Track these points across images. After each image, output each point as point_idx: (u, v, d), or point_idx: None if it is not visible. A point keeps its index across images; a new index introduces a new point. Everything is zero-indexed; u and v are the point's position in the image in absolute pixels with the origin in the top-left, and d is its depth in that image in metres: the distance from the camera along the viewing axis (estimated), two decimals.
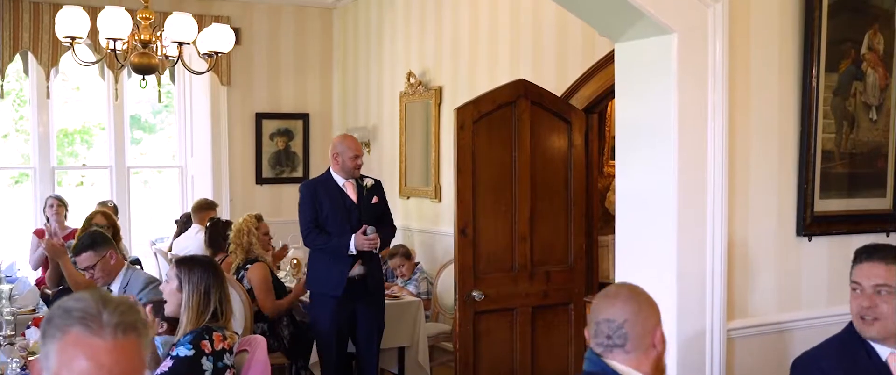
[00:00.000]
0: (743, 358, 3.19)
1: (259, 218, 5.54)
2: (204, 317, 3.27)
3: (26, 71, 7.83)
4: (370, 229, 5.18)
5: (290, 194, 8.63)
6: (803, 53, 3.31)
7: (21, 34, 7.38)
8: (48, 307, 5.52)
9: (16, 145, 8.32)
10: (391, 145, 7.92)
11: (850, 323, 2.65)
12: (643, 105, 3.15)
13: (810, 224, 3.36)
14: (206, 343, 3.19)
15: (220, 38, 5.36)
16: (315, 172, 8.78)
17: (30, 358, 3.90)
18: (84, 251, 4.36)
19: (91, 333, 1.49)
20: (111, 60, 6.11)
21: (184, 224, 7.01)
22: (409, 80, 7.46)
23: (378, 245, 5.31)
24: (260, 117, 8.51)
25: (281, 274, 6.29)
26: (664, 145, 3.06)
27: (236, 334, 3.50)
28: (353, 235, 5.17)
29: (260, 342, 3.65)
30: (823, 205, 3.39)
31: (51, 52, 7.46)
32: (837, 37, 3.37)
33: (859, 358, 2.66)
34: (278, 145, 8.63)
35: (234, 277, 5.54)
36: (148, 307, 3.66)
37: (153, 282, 4.33)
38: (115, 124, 8.21)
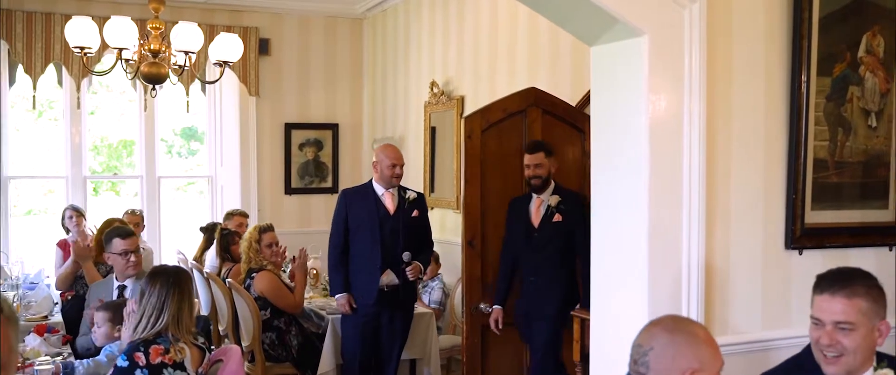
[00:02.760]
0: None
1: (263, 229, 5.52)
2: (152, 329, 3.27)
3: (60, 82, 7.99)
4: (406, 255, 5.20)
5: (319, 205, 8.66)
6: (791, 56, 3.13)
7: (53, 46, 7.53)
8: (63, 314, 5.59)
9: (54, 156, 8.49)
10: (416, 155, 7.85)
11: (809, 345, 2.48)
12: (615, 111, 3.01)
13: (801, 237, 3.17)
14: (140, 355, 3.23)
15: (229, 47, 5.37)
16: (344, 182, 8.77)
17: (25, 363, 3.95)
18: (131, 236, 4.62)
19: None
20: (124, 70, 6.21)
21: (210, 233, 7.07)
22: (432, 89, 7.39)
23: (419, 273, 5.34)
24: (289, 128, 8.54)
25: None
26: (635, 153, 2.92)
27: (200, 347, 3.47)
28: (383, 273, 5.17)
29: (234, 351, 3.61)
30: (816, 216, 3.20)
31: (82, 63, 7.58)
32: (831, 39, 3.18)
33: None
34: (307, 155, 8.64)
35: (242, 286, 5.54)
36: (103, 315, 3.74)
37: None
38: (146, 134, 8.32)
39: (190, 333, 3.49)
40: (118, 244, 4.62)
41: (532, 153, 4.84)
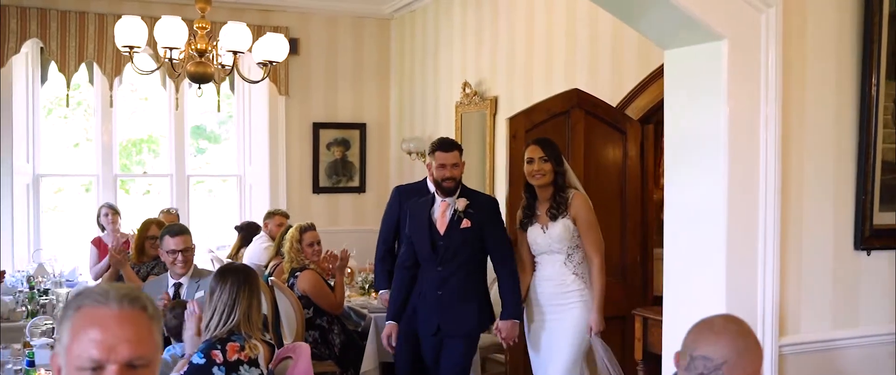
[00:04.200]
0: None
1: (304, 229, 5.55)
2: (224, 327, 3.33)
3: (91, 81, 8.04)
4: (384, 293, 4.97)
5: (346, 204, 8.72)
6: (862, 61, 3.18)
7: (86, 45, 7.58)
8: None
9: (87, 154, 8.54)
10: None
11: None
12: (692, 114, 3.07)
13: (869, 237, 3.22)
14: (217, 353, 3.29)
15: (275, 47, 5.42)
16: (372, 181, 8.84)
17: None
18: (180, 234, 4.64)
19: (99, 304, 1.60)
20: (169, 70, 6.25)
21: (245, 231, 7.10)
22: (464, 90, 7.44)
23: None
24: (317, 127, 8.59)
25: None
26: (714, 155, 2.97)
27: (269, 344, 3.52)
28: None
29: (304, 349, 3.66)
30: (883, 218, 3.26)
31: (114, 62, 7.64)
32: None
33: None
34: (335, 154, 8.69)
35: (286, 284, 5.59)
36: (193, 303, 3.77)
37: None
38: (176, 133, 8.38)
39: (258, 330, 3.54)
40: (168, 242, 4.66)
41: (448, 151, 4.37)
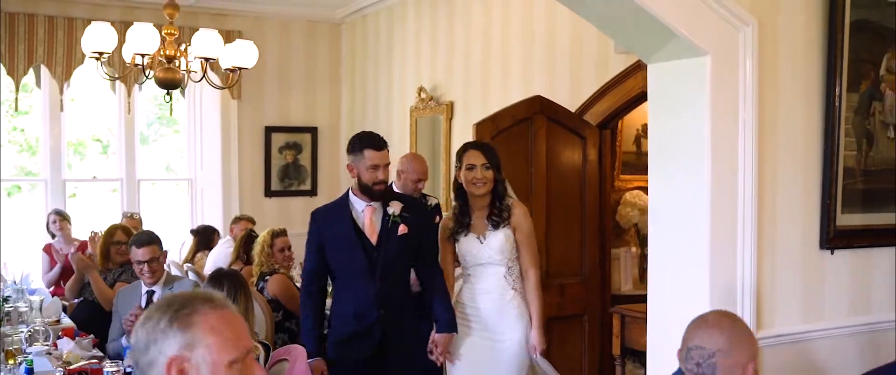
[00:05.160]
0: (771, 367, 3.32)
1: (276, 234, 5.63)
2: None
3: (39, 84, 7.92)
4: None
5: (298, 207, 8.77)
6: (826, 74, 3.45)
7: (36, 48, 7.47)
8: (73, 319, 5.59)
9: (11, 157, 8.38)
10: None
11: None
12: (677, 123, 3.29)
13: (833, 238, 3.50)
14: None
15: (243, 54, 5.48)
16: (323, 184, 8.91)
17: (68, 367, 4.01)
18: (147, 245, 4.55)
19: (213, 308, 1.82)
20: (125, 74, 6.26)
21: (201, 235, 7.10)
22: (419, 94, 7.59)
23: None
24: (269, 131, 8.64)
25: None
26: (698, 161, 3.20)
27: (263, 344, 3.62)
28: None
29: (299, 351, 3.76)
30: (845, 220, 3.53)
31: (65, 65, 7.55)
32: (858, 58, 3.52)
33: None
34: (287, 158, 8.74)
35: (255, 288, 5.65)
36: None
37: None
38: (126, 137, 8.30)
39: (254, 332, 3.63)
40: (134, 253, 4.63)
41: (381, 150, 3.84)
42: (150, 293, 4.67)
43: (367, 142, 3.85)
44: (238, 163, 8.48)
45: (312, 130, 8.84)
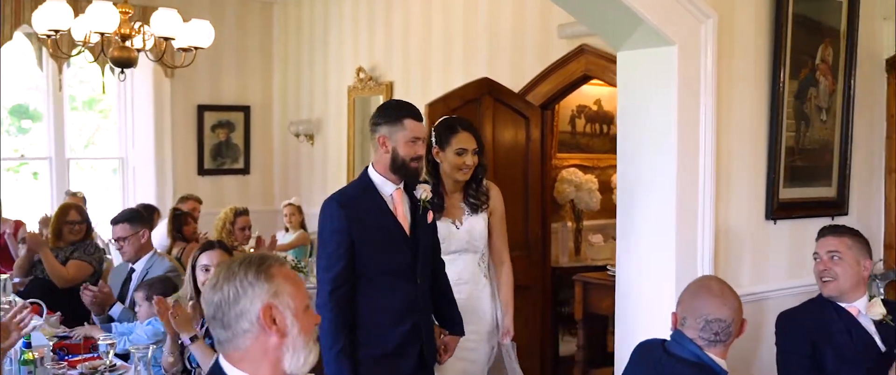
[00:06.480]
0: None
1: (238, 212, 5.76)
2: None
3: None
4: None
5: (231, 185, 8.84)
6: (773, 63, 3.85)
7: None
8: (24, 298, 5.57)
9: None
10: (337, 137, 8.21)
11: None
12: (646, 108, 3.62)
13: (777, 210, 3.92)
14: None
15: (201, 33, 5.55)
16: (256, 163, 8.99)
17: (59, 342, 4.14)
18: (121, 223, 4.65)
19: (281, 263, 2.08)
20: (54, 49, 6.23)
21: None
22: (358, 75, 7.76)
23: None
24: (202, 109, 8.64)
25: None
26: (665, 142, 3.54)
27: None
28: None
29: None
30: (786, 193, 3.96)
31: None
32: (798, 48, 3.93)
33: (828, 313, 3.30)
34: (220, 136, 8.77)
35: None
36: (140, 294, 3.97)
37: (174, 271, 4.56)
38: (55, 115, 8.17)
39: None
40: (115, 230, 4.76)
41: (421, 121, 3.28)
42: (131, 271, 4.77)
43: (408, 110, 3.24)
44: (171, 142, 8.46)
45: (245, 109, 8.89)
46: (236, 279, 2.01)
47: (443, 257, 3.54)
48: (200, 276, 3.54)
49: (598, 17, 3.70)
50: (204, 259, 3.56)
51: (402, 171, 3.20)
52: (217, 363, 2.06)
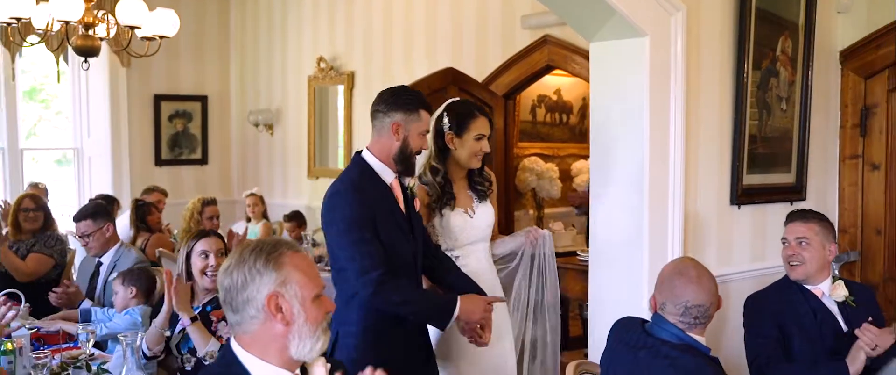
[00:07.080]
0: None
1: (207, 202, 5.76)
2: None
3: None
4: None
5: (189, 176, 8.79)
6: (737, 55, 4.00)
7: None
8: None
9: None
10: (297, 127, 8.21)
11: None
12: (619, 98, 3.73)
13: (740, 195, 4.07)
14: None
15: (166, 22, 5.52)
16: (213, 153, 8.94)
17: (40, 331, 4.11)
18: (83, 219, 4.61)
19: (295, 251, 2.12)
20: (6, 37, 6.14)
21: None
22: (319, 64, 7.77)
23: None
24: (158, 99, 8.57)
25: None
26: (637, 131, 3.66)
27: None
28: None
29: None
30: (749, 179, 4.12)
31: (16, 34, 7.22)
32: (760, 41, 4.08)
33: (794, 295, 3.45)
34: (177, 126, 8.72)
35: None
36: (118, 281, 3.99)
37: (143, 263, 4.55)
38: (7, 104, 8.02)
39: None
40: (79, 227, 4.73)
41: (431, 114, 3.25)
42: (98, 265, 4.75)
43: (424, 102, 3.07)
44: (127, 132, 8.38)
45: (202, 99, 8.84)
46: (245, 266, 2.05)
47: (459, 249, 3.43)
48: (199, 262, 3.57)
49: (571, 9, 3.80)
50: (202, 246, 3.59)
51: (405, 162, 3.03)
52: (229, 345, 2.11)
